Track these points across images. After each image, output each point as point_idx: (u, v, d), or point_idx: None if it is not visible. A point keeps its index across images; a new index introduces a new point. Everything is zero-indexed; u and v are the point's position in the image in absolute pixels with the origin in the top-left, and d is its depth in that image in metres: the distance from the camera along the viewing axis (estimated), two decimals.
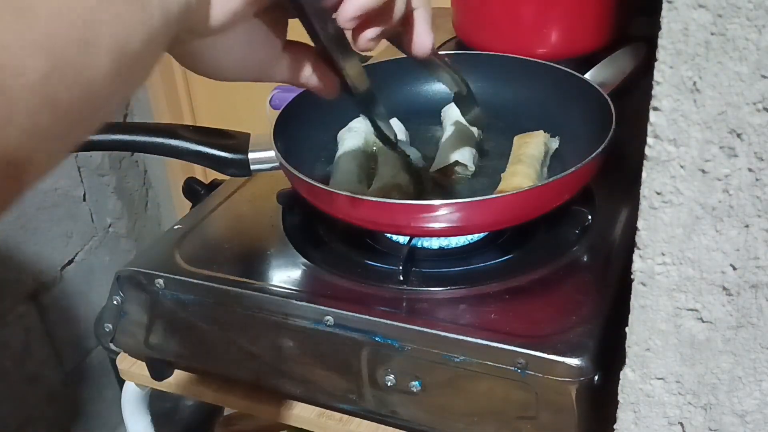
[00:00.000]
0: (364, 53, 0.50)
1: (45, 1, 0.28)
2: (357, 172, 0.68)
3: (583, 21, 0.90)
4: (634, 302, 0.42)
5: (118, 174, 1.58)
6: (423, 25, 0.48)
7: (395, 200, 0.62)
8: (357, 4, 0.42)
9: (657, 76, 0.35)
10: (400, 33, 0.49)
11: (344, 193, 0.59)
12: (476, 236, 0.65)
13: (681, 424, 0.44)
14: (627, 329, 0.43)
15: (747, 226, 0.37)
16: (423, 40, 0.49)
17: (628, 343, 0.43)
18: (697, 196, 0.37)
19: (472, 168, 0.70)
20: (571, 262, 0.62)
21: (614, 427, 0.47)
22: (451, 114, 0.75)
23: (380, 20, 0.44)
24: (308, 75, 0.48)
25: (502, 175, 0.67)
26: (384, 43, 1.12)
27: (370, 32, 0.45)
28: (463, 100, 0.63)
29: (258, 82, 0.48)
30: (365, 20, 0.44)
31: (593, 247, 0.63)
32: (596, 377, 0.51)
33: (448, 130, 0.73)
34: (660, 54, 0.35)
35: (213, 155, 0.66)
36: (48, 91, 0.28)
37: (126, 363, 0.73)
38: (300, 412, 0.65)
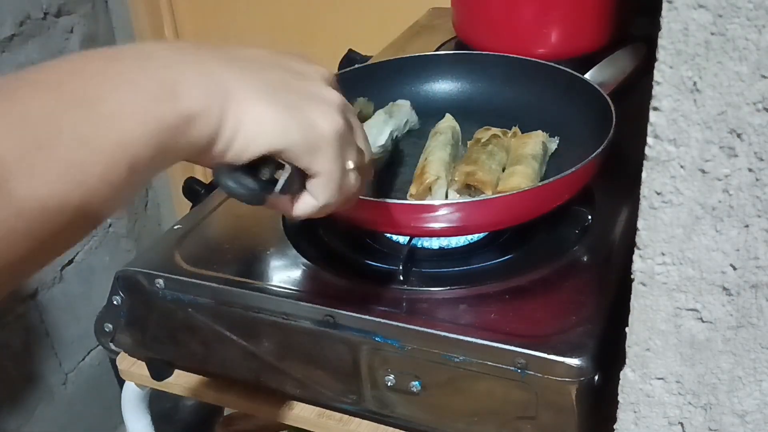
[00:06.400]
0: None
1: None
2: None
3: (583, 21, 0.90)
4: (634, 302, 0.42)
5: None
6: None
7: (395, 200, 0.62)
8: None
9: (657, 76, 0.35)
10: None
11: None
12: (476, 236, 0.65)
13: (681, 424, 0.44)
14: (627, 329, 0.43)
15: (747, 226, 0.37)
16: None
17: (628, 343, 0.43)
18: (697, 196, 0.37)
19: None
20: (571, 262, 0.62)
21: (614, 427, 0.47)
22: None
23: None
24: None
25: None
26: (385, 42, 1.12)
27: None
28: None
29: None
30: None
31: (593, 247, 0.63)
32: (596, 377, 0.51)
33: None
34: (660, 54, 0.35)
35: None
36: None
37: (126, 363, 0.73)
38: (300, 412, 0.65)
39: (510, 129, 0.72)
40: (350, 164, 0.48)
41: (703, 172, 0.36)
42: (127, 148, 0.36)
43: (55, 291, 1.44)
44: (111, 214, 0.39)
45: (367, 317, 0.57)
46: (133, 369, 0.72)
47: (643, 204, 0.39)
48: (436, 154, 0.68)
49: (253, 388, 0.67)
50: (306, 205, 0.48)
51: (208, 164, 0.44)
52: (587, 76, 0.75)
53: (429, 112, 0.77)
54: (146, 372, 0.70)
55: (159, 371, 0.70)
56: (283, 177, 0.45)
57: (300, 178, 0.47)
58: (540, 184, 0.63)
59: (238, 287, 0.62)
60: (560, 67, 0.74)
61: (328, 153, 0.46)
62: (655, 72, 0.35)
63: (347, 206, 0.52)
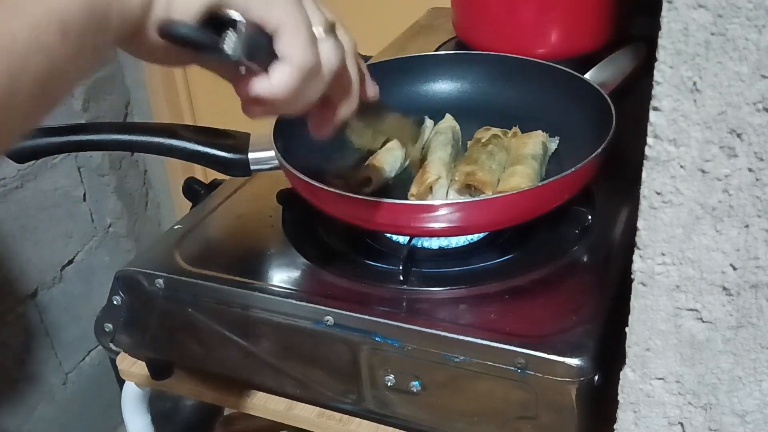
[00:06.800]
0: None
1: None
2: None
3: (583, 21, 0.90)
4: (634, 302, 0.42)
5: (118, 174, 1.58)
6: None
7: (395, 200, 0.62)
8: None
9: (657, 76, 0.35)
10: None
11: (344, 193, 0.59)
12: (476, 236, 0.65)
13: (681, 424, 0.44)
14: (627, 329, 0.43)
15: (747, 226, 0.37)
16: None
17: (628, 343, 0.43)
18: (697, 196, 0.37)
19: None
20: (571, 262, 0.62)
21: (614, 427, 0.47)
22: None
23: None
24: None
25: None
26: (385, 42, 1.12)
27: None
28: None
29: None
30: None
31: (593, 247, 0.63)
32: (596, 377, 0.51)
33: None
34: (660, 54, 0.35)
35: (213, 155, 0.66)
36: None
37: (126, 363, 0.73)
38: (300, 412, 0.65)
39: (510, 129, 0.72)
40: (318, 25, 0.45)
41: (703, 172, 0.36)
42: (55, 12, 0.35)
43: (55, 291, 1.43)
44: (55, 95, 0.37)
45: (367, 317, 0.57)
46: (133, 369, 0.72)
47: (643, 204, 0.39)
48: (436, 154, 0.68)
49: (253, 388, 0.67)
50: (283, 73, 0.43)
51: (154, 38, 0.41)
52: (587, 76, 0.75)
53: (429, 112, 0.77)
54: (146, 372, 0.70)
55: (159, 371, 0.70)
56: (237, 32, 0.41)
57: (266, 43, 0.43)
58: (540, 184, 0.63)
59: (238, 287, 0.62)
60: (560, 67, 0.74)
61: (283, 1, 0.42)
62: (655, 72, 0.35)
63: (346, 93, 0.49)
